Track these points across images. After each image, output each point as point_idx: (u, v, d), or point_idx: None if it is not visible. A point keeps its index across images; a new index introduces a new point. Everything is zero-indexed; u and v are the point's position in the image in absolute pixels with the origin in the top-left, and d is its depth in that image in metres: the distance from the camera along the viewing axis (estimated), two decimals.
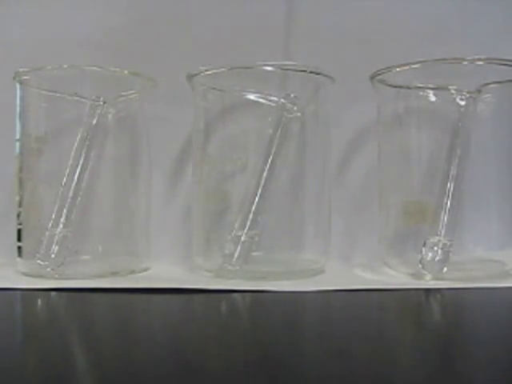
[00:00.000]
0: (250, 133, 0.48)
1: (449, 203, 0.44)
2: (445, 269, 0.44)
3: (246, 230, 0.45)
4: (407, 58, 0.46)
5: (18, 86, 0.49)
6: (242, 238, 0.45)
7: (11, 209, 0.50)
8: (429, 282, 0.44)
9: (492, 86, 0.46)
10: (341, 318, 0.36)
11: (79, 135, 0.48)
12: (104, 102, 0.49)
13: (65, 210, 0.47)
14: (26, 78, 0.49)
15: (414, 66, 0.45)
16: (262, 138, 0.47)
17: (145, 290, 0.42)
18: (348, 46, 0.56)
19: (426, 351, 0.29)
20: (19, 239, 0.49)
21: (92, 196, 0.49)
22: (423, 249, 0.44)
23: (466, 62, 0.45)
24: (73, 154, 0.48)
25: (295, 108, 0.47)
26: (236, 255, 0.45)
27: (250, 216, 0.45)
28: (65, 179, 0.47)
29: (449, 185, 0.45)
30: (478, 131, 0.46)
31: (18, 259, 0.49)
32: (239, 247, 0.45)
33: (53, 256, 0.46)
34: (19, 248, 0.49)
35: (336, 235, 0.51)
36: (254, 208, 0.46)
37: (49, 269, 0.46)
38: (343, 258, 0.54)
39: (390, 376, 0.25)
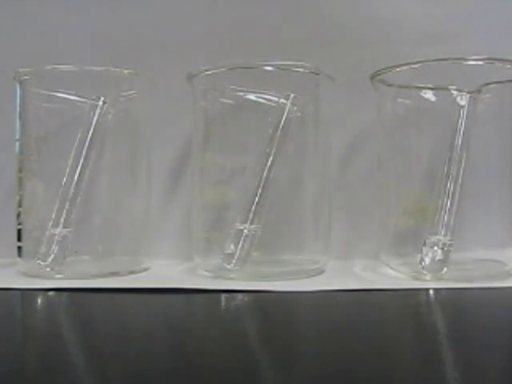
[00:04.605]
0: (250, 133, 0.48)
1: (449, 203, 0.44)
2: (445, 269, 0.44)
3: (247, 225, 0.45)
4: (407, 58, 0.46)
5: (17, 86, 0.49)
6: (245, 232, 0.45)
7: (11, 209, 0.50)
8: (429, 282, 0.44)
9: (492, 85, 0.46)
10: (341, 318, 0.36)
11: (79, 135, 0.48)
12: (104, 102, 0.49)
13: (65, 210, 0.47)
14: (25, 77, 0.49)
15: (413, 66, 0.45)
16: (262, 138, 0.47)
17: (145, 289, 0.42)
18: (348, 46, 0.56)
19: (425, 351, 0.29)
20: (19, 239, 0.49)
21: (92, 196, 0.49)
22: (423, 249, 0.44)
23: (466, 62, 0.45)
24: (73, 153, 0.48)
25: (295, 108, 0.47)
26: (236, 255, 0.45)
27: (251, 215, 0.45)
28: (65, 179, 0.47)
29: (449, 185, 0.45)
30: (478, 131, 0.46)
31: (18, 259, 0.49)
32: (240, 245, 0.45)
33: (53, 256, 0.46)
34: (19, 248, 0.49)
35: (336, 235, 0.51)
36: (254, 208, 0.46)
37: (49, 269, 0.46)
38: (343, 258, 0.54)
39: (390, 376, 0.25)
